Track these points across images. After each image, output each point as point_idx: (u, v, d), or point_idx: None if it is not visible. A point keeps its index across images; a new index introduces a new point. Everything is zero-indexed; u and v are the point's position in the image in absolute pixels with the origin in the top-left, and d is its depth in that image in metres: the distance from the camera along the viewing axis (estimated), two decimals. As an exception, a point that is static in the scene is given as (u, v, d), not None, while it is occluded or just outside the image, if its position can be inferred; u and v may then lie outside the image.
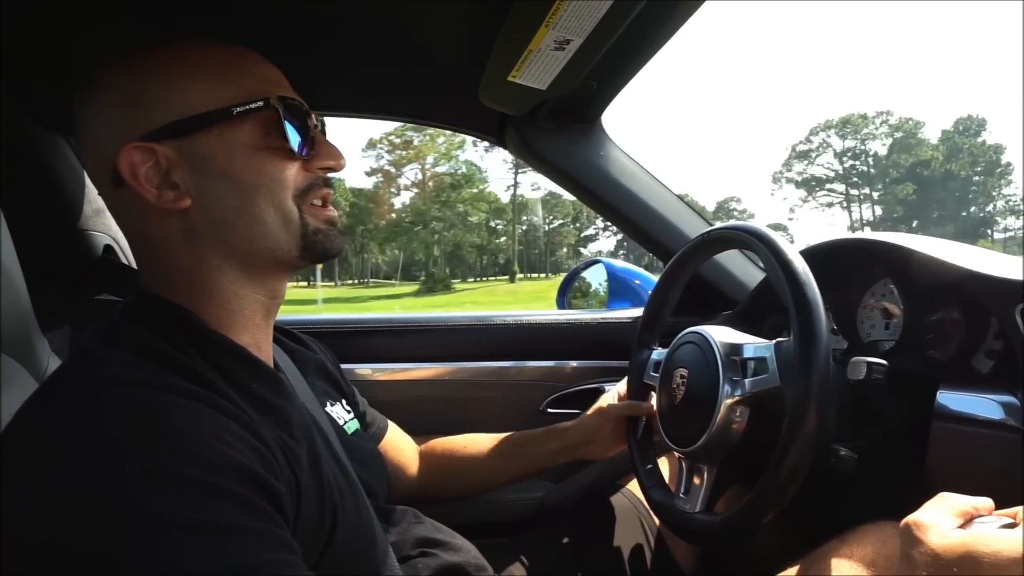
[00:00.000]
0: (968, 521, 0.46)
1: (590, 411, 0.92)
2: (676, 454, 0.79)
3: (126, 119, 0.53)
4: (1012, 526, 0.45)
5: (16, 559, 0.39)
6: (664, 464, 0.89)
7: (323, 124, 0.63)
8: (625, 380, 0.95)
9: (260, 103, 0.55)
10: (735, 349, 0.73)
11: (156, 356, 0.49)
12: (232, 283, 0.56)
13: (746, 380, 0.70)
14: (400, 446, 0.90)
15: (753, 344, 0.72)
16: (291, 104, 0.56)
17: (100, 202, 1.07)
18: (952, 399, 0.69)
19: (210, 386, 0.49)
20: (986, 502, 0.48)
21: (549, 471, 0.94)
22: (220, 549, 0.39)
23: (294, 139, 0.56)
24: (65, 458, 0.40)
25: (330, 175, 0.61)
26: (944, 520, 0.45)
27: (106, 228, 1.08)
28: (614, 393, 0.94)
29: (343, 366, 0.87)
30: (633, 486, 0.95)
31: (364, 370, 1.18)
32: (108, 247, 1.07)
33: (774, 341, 0.69)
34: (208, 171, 0.54)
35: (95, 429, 0.42)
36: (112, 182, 0.53)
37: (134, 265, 1.11)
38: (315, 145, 0.58)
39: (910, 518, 0.46)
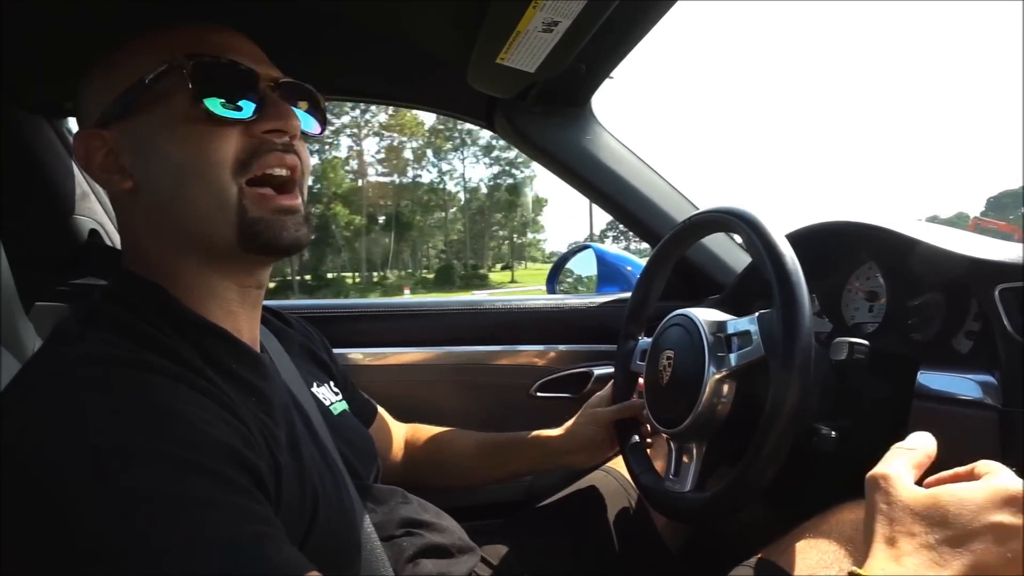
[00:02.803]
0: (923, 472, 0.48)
1: (579, 419, 0.90)
2: (664, 436, 0.80)
3: (88, 109, 0.54)
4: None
5: None
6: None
7: (291, 87, 0.57)
8: (610, 384, 0.94)
9: (164, 66, 0.51)
10: (720, 326, 0.73)
11: (133, 335, 0.48)
12: (195, 269, 0.54)
13: (731, 355, 0.70)
14: (386, 434, 0.90)
15: (737, 320, 0.73)
16: (208, 63, 0.51)
17: (85, 186, 1.06)
18: (932, 379, 0.71)
19: (188, 365, 0.48)
20: (927, 444, 0.49)
21: (533, 475, 0.93)
22: (197, 522, 0.38)
23: (216, 102, 0.50)
24: (39, 435, 0.40)
25: (285, 139, 0.54)
26: (906, 473, 0.47)
27: (91, 212, 1.07)
28: (602, 397, 0.93)
29: (337, 351, 0.87)
30: (616, 463, 0.96)
31: (354, 355, 1.18)
32: (93, 231, 1.06)
33: (757, 313, 0.69)
34: (143, 150, 0.53)
35: (68, 407, 0.41)
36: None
37: (119, 248, 1.10)
38: (263, 107, 0.53)
39: (876, 471, 0.47)
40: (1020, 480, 0.43)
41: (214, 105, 0.51)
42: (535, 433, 0.91)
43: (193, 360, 0.49)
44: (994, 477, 0.44)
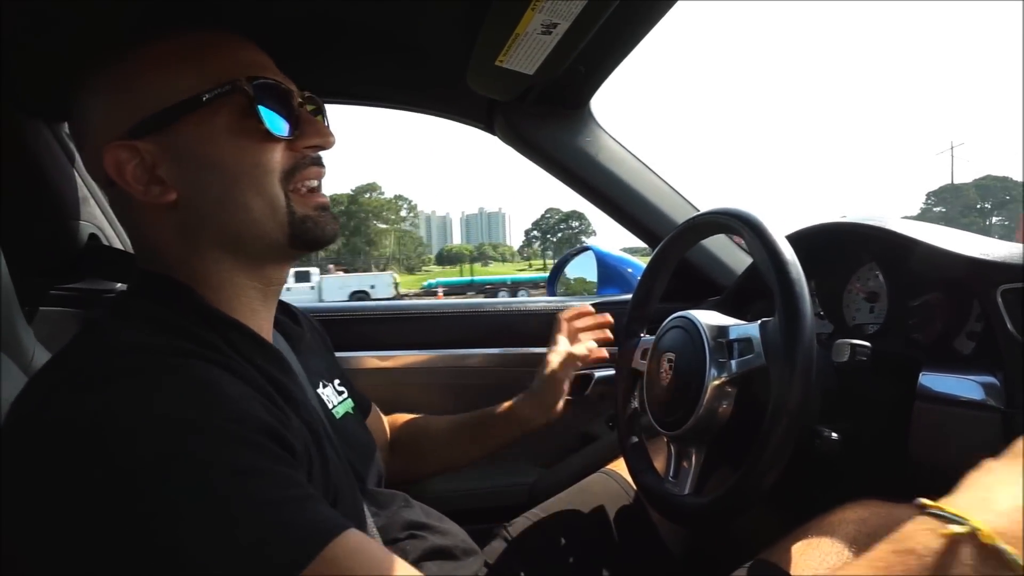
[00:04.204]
0: None
1: (537, 382, 0.94)
2: (665, 438, 0.79)
3: (110, 119, 0.54)
4: None
5: (51, 513, 0.39)
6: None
7: (317, 103, 0.62)
8: (559, 343, 0.96)
9: (227, 87, 0.54)
10: (721, 331, 0.73)
11: (167, 327, 0.50)
12: (228, 272, 0.57)
13: (732, 361, 0.70)
14: (378, 428, 0.91)
15: (739, 325, 0.73)
16: (265, 84, 0.56)
17: (84, 191, 1.05)
18: (934, 380, 0.70)
19: (222, 352, 0.50)
20: None
21: (509, 448, 0.95)
22: (244, 489, 0.40)
23: (272, 120, 0.55)
24: (90, 420, 0.41)
25: (320, 153, 0.60)
26: None
27: (91, 217, 1.07)
28: (557, 356, 0.95)
29: (337, 354, 0.86)
30: (618, 467, 0.95)
31: (353, 357, 1.17)
32: (93, 235, 1.06)
33: (759, 321, 0.69)
34: (190, 162, 0.54)
35: (117, 391, 0.42)
36: (106, 182, 0.55)
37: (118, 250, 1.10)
38: (300, 124, 0.58)
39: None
40: None
41: (271, 124, 0.55)
42: (502, 406, 0.93)
43: (224, 349, 0.51)
44: None
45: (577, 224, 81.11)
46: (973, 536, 0.35)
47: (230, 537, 0.39)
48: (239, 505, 0.40)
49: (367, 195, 71.34)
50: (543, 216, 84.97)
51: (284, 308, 0.76)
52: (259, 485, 0.41)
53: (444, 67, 0.96)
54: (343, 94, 1.11)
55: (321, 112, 0.64)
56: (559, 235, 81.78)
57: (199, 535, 0.38)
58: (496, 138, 1.19)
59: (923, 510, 0.38)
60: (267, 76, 0.57)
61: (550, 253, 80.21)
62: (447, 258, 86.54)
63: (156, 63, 0.54)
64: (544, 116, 1.11)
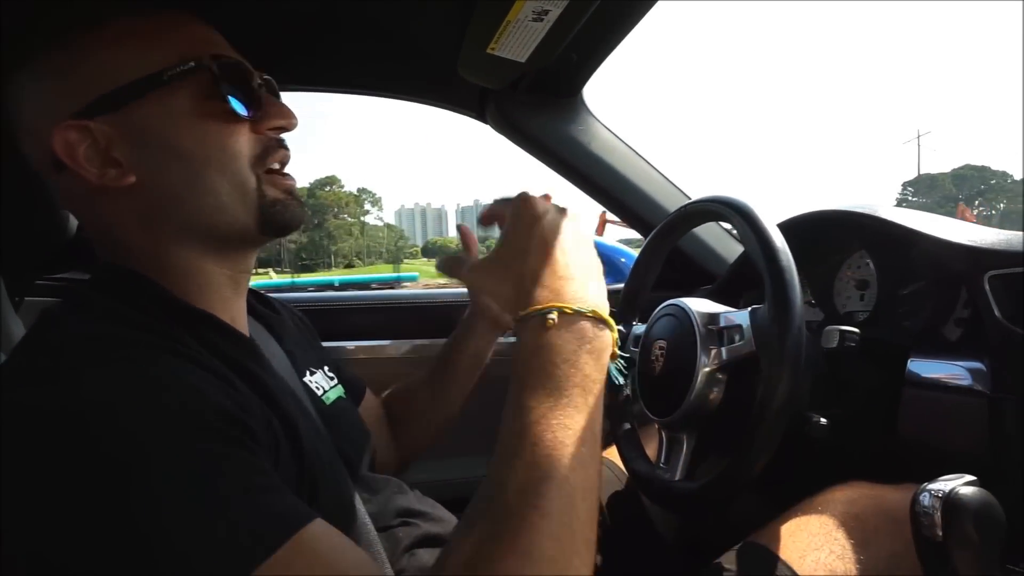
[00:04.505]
0: None
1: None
2: (656, 425, 0.80)
3: (57, 99, 0.51)
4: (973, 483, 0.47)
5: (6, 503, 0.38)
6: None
7: (272, 85, 0.60)
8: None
9: (191, 64, 0.52)
10: (712, 319, 0.74)
11: (125, 321, 0.48)
12: (196, 259, 0.55)
13: (723, 348, 0.71)
14: (372, 410, 0.89)
15: (729, 313, 0.73)
16: (227, 63, 0.53)
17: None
18: (922, 366, 0.71)
19: (185, 345, 0.48)
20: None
21: (481, 367, 0.93)
22: (208, 478, 0.39)
23: (236, 100, 0.53)
24: (45, 412, 0.39)
25: (282, 135, 0.58)
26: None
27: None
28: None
29: (324, 344, 0.86)
30: (610, 453, 0.96)
31: (347, 347, 1.17)
32: (81, 226, 1.05)
33: (749, 308, 0.70)
34: (149, 144, 0.51)
35: (73, 382, 0.41)
36: (53, 167, 0.51)
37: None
38: (262, 105, 0.55)
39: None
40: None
41: (236, 104, 0.53)
42: (455, 336, 0.92)
43: (190, 343, 0.49)
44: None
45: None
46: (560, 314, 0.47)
47: (190, 527, 0.37)
48: (202, 496, 0.38)
49: (326, 188, 70.03)
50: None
51: (262, 298, 0.75)
52: (223, 475, 0.40)
53: (435, 56, 0.95)
54: (334, 83, 1.10)
55: (276, 95, 0.61)
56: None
57: (159, 526, 0.37)
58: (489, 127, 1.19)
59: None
60: (228, 55, 0.55)
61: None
62: (433, 251, 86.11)
63: (109, 41, 0.52)
64: (536, 104, 1.11)
